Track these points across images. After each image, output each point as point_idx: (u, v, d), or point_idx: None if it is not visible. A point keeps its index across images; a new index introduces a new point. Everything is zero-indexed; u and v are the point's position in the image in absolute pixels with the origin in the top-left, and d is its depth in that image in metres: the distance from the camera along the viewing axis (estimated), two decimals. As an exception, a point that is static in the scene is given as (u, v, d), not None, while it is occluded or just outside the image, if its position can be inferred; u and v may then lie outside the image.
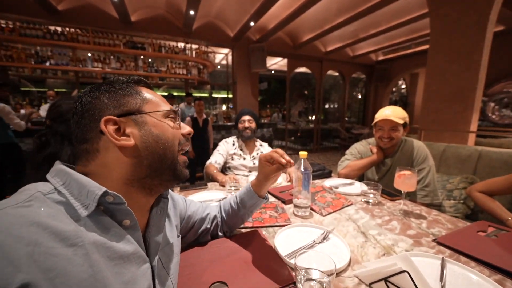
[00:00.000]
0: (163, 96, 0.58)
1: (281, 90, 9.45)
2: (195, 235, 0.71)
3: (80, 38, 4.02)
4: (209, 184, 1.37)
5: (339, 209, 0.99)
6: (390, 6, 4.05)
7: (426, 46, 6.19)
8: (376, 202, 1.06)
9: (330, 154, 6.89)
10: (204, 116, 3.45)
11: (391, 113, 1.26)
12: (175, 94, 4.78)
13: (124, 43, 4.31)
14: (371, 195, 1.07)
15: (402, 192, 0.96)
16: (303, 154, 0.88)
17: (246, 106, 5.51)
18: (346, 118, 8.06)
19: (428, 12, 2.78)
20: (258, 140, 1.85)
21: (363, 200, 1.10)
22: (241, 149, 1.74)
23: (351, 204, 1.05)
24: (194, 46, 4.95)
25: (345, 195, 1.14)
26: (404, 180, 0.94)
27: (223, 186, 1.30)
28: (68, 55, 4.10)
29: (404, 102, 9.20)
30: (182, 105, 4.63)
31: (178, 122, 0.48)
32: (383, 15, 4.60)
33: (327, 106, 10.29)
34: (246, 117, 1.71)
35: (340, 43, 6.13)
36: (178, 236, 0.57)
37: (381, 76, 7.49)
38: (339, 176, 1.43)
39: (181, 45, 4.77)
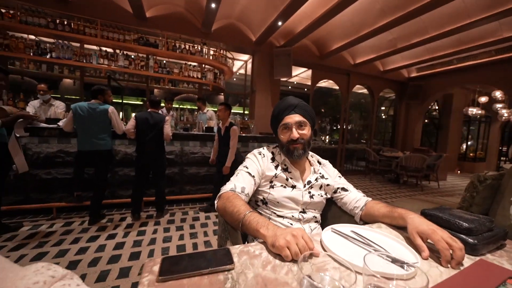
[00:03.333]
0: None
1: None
2: None
3: (87, 30, 3.59)
4: (236, 253, 0.61)
5: None
6: (444, 8, 3.40)
7: (471, 62, 5.48)
8: None
9: (357, 178, 5.96)
10: (227, 123, 2.81)
11: None
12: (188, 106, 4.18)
13: (135, 39, 3.85)
14: None
15: None
16: None
17: (264, 119, 4.83)
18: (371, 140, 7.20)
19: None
20: (313, 154, 1.09)
21: None
22: (286, 169, 0.98)
23: None
24: (212, 50, 4.45)
25: None
26: None
27: (277, 253, 0.55)
28: (72, 48, 3.65)
29: (435, 124, 8.30)
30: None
31: None
32: (433, 20, 3.95)
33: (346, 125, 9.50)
34: (294, 117, 0.93)
35: (372, 54, 5.50)
36: None
37: (415, 93, 6.71)
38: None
39: (197, 47, 4.28)
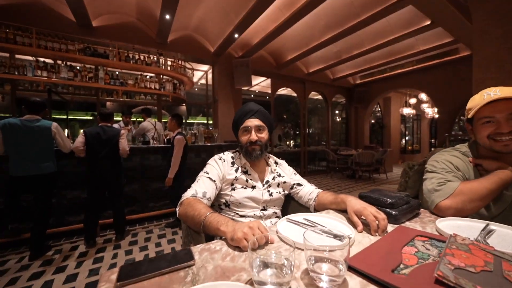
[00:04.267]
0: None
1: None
2: None
3: (19, 39, 3.17)
4: (197, 251, 0.64)
5: None
6: (374, 26, 4.04)
7: (400, 70, 6.51)
8: None
9: (320, 177, 6.39)
10: (175, 133, 2.75)
11: (502, 92, 0.75)
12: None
13: (80, 49, 3.54)
14: None
15: None
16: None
17: (227, 127, 4.88)
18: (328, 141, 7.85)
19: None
20: (270, 155, 1.18)
21: None
22: (246, 172, 1.04)
23: None
24: (170, 60, 4.36)
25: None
26: None
27: (236, 245, 0.60)
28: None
29: (380, 124, 9.49)
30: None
31: None
32: (367, 35, 4.62)
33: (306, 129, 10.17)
34: (254, 121, 1.01)
35: (322, 64, 6.10)
36: None
37: (361, 98, 7.61)
38: (439, 210, 0.81)
39: (153, 57, 4.14)
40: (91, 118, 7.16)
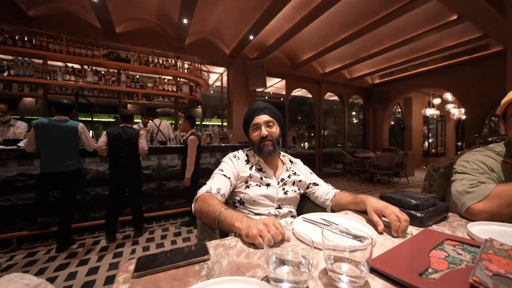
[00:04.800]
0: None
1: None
2: None
3: (51, 46, 3.43)
4: (212, 246, 0.63)
5: None
6: (394, 23, 3.87)
7: (422, 69, 6.18)
8: None
9: (336, 180, 6.21)
10: (188, 134, 2.81)
11: None
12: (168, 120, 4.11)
13: (104, 54, 3.75)
14: None
15: None
16: None
17: (242, 128, 4.89)
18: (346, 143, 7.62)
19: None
20: (285, 154, 1.16)
21: None
22: (260, 169, 1.03)
23: None
24: (186, 63, 4.49)
25: None
26: None
27: (251, 242, 0.59)
28: (33, 65, 3.44)
29: (400, 126, 9.06)
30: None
31: None
32: (387, 33, 4.43)
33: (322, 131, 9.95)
34: (263, 117, 1.01)
35: (339, 64, 5.95)
36: None
37: (380, 98, 7.32)
38: (471, 214, 0.75)
39: (171, 61, 4.29)
40: (113, 120, 7.54)
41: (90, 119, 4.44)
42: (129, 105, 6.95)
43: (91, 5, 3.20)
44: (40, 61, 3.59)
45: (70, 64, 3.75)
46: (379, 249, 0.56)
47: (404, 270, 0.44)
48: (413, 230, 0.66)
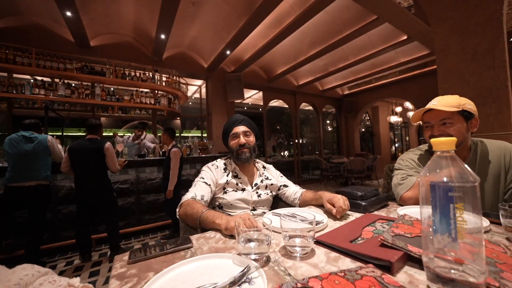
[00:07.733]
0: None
1: (255, 124, 9.32)
2: None
3: (19, 59, 3.30)
4: (194, 239, 0.74)
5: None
6: (356, 41, 4.36)
7: (384, 81, 6.90)
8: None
9: (314, 185, 6.50)
10: (169, 146, 2.85)
11: (438, 102, 0.90)
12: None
13: (78, 68, 3.68)
14: None
15: None
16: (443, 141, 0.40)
17: (221, 139, 5.00)
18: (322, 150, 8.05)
19: (429, 18, 2.52)
20: (258, 160, 1.31)
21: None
22: (236, 176, 1.16)
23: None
24: (164, 76, 4.54)
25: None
26: None
27: (230, 234, 0.70)
28: (-2, 79, 3.27)
29: (370, 132, 9.81)
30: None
31: None
32: (351, 50, 4.94)
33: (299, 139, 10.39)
34: (241, 128, 1.17)
35: (311, 76, 6.41)
36: None
37: (350, 108, 7.93)
38: (403, 201, 0.94)
39: (148, 74, 4.32)
40: (84, 134, 7.19)
41: (61, 133, 4.24)
42: (102, 118, 6.69)
43: (65, 19, 3.18)
44: (5, 74, 3.41)
45: (39, 78, 3.61)
46: (328, 229, 0.72)
47: (339, 240, 0.59)
48: (357, 215, 0.84)
